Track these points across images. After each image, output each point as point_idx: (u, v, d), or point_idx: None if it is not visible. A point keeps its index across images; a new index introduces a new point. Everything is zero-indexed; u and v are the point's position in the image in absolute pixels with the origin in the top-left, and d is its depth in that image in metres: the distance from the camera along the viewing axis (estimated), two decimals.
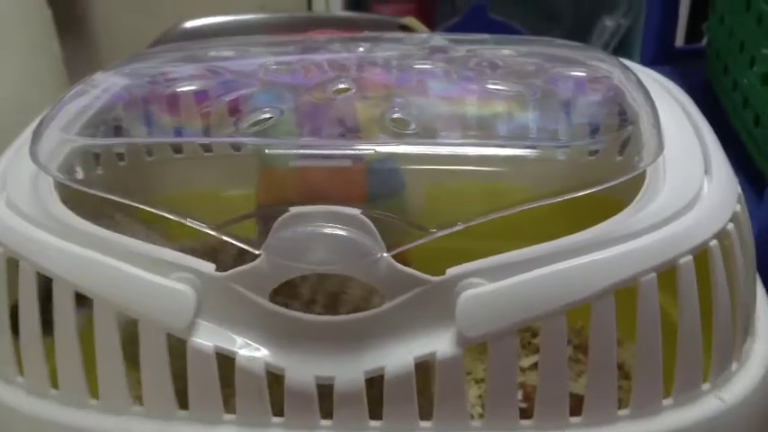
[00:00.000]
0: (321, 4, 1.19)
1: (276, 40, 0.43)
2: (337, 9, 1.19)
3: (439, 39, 0.43)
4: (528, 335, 0.48)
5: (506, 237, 0.32)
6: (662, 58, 0.64)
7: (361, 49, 0.40)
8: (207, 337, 0.30)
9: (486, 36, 0.43)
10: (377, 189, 0.35)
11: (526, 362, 0.47)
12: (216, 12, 1.00)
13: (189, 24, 1.03)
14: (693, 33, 0.98)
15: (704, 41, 0.76)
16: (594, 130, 0.33)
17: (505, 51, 0.40)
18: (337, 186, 0.32)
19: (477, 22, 1.30)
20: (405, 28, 0.99)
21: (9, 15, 0.90)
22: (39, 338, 0.32)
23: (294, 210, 0.29)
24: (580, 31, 1.32)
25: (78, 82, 0.37)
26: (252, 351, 0.30)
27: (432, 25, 1.17)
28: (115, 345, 0.31)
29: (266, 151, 0.31)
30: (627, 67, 0.38)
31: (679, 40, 1.03)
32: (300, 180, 0.33)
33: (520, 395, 0.37)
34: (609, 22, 1.26)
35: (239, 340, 0.30)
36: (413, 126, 0.32)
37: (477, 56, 0.39)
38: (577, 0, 1.31)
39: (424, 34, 0.42)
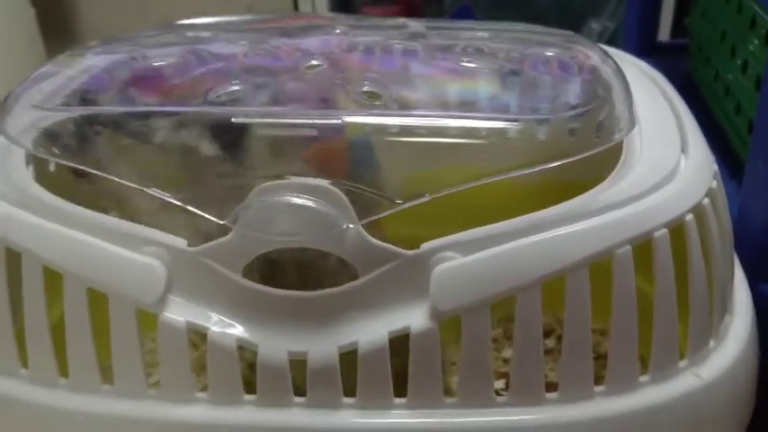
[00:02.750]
0: (308, 5, 1.19)
1: (252, 25, 0.43)
2: (323, 10, 1.19)
3: (416, 24, 0.42)
4: (511, 325, 0.48)
5: (483, 222, 0.32)
6: (644, 51, 0.64)
7: (338, 31, 0.40)
8: (178, 313, 0.30)
9: (463, 22, 0.43)
10: (358, 167, 0.35)
11: (508, 352, 0.46)
12: (202, 13, 1.00)
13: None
14: (679, 28, 0.99)
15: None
16: (570, 107, 0.33)
17: (482, 34, 0.39)
18: (319, 163, 0.32)
19: None
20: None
21: None
22: (8, 321, 0.31)
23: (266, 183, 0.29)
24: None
25: (47, 62, 0.37)
26: (224, 327, 0.30)
27: None
28: (85, 321, 0.30)
29: (232, 120, 0.30)
30: (604, 51, 0.38)
31: (665, 36, 1.04)
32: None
33: (502, 384, 0.37)
34: (595, 25, 1.27)
35: (212, 316, 0.30)
36: (383, 99, 0.32)
37: (454, 38, 0.39)
38: (563, 3, 1.32)
39: (401, 19, 0.42)
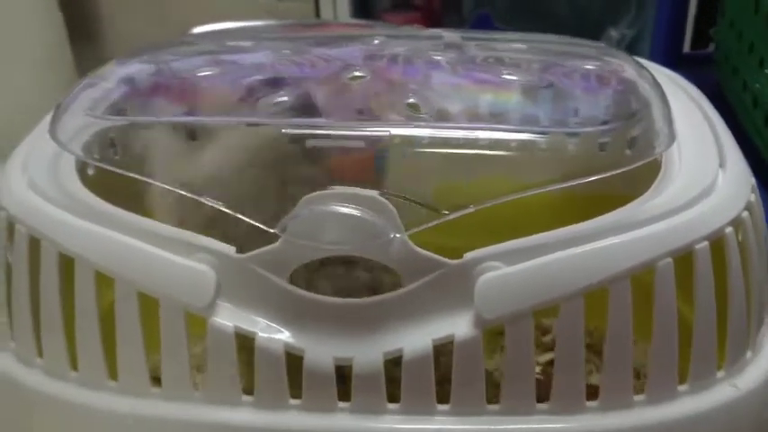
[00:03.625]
0: (329, 12, 1.20)
1: (291, 32, 0.44)
2: (345, 17, 1.20)
3: (452, 34, 0.43)
4: (538, 333, 0.49)
5: (518, 234, 0.33)
6: (670, 62, 0.65)
7: (376, 41, 0.40)
8: (227, 318, 0.30)
9: (498, 33, 0.44)
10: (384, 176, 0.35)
11: (541, 359, 0.47)
12: (224, 18, 1.01)
13: (197, 30, 1.04)
14: (699, 39, 0.99)
15: (710, 47, 0.77)
16: (605, 122, 0.34)
17: (518, 45, 0.40)
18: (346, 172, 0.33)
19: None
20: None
21: (22, 20, 0.91)
22: (59, 319, 0.32)
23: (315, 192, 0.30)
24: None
25: (94, 70, 0.37)
26: (271, 332, 0.31)
27: None
28: (136, 325, 0.31)
29: (282, 131, 0.31)
30: (639, 63, 0.39)
31: (686, 46, 1.04)
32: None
33: None
34: (614, 33, 1.27)
35: (259, 321, 0.31)
36: (426, 111, 0.33)
37: (491, 49, 0.39)
38: (581, 11, 1.32)
39: (437, 29, 0.42)
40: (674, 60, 0.65)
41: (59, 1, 0.98)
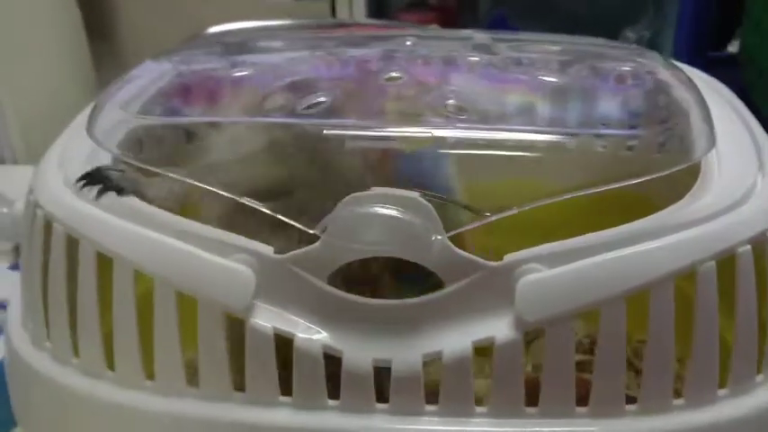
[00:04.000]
0: (345, 11, 1.20)
1: (323, 33, 0.44)
2: (361, 17, 1.20)
3: (482, 35, 0.43)
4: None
5: (552, 233, 0.33)
6: (695, 64, 0.64)
7: (409, 42, 0.40)
8: (266, 318, 0.30)
9: (528, 34, 0.44)
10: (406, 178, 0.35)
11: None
12: (240, 17, 1.01)
13: (213, 30, 1.04)
14: (717, 41, 0.99)
15: (730, 48, 0.77)
16: (655, 124, 0.34)
17: (551, 47, 0.40)
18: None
19: (498, 30, 1.31)
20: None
21: (41, 17, 0.92)
22: (96, 318, 0.32)
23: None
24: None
25: (132, 68, 0.37)
26: (310, 333, 0.30)
27: None
28: (173, 325, 0.31)
29: (323, 132, 0.31)
30: (675, 65, 0.38)
31: None
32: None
33: None
34: (631, 34, 1.27)
35: (298, 322, 0.31)
36: (467, 112, 0.33)
37: (524, 51, 0.39)
38: (598, 11, 1.32)
39: (467, 30, 0.42)
40: (698, 62, 0.65)
41: None
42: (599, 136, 0.36)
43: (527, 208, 0.30)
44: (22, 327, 0.36)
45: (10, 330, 0.36)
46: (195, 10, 1.24)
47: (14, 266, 0.63)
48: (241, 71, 0.36)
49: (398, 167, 0.34)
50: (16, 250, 0.68)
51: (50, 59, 0.93)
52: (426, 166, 0.35)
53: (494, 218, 0.30)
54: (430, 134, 0.30)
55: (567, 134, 0.35)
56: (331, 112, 0.32)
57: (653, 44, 1.26)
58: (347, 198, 0.30)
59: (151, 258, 0.31)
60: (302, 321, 0.31)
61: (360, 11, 1.20)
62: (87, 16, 1.01)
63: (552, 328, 0.29)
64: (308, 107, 0.32)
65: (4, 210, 0.68)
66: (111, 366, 0.32)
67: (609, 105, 0.34)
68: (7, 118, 0.85)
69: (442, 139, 0.31)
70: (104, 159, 0.35)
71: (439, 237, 0.30)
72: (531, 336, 0.30)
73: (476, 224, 0.30)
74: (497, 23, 1.30)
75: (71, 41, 0.97)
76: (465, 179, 0.37)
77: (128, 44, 1.18)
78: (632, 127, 0.38)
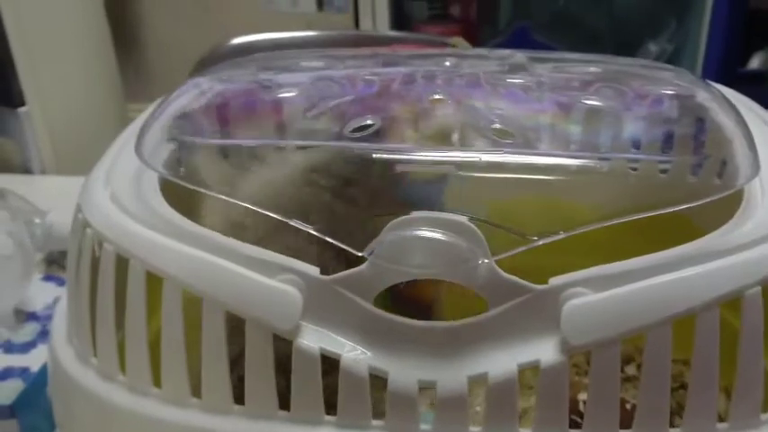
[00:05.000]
0: (368, 23, 1.21)
1: (361, 53, 0.44)
2: (384, 28, 1.21)
3: (520, 56, 0.43)
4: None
5: (579, 254, 0.33)
6: (725, 81, 0.64)
7: (448, 63, 0.41)
8: (312, 339, 0.31)
9: (567, 54, 0.44)
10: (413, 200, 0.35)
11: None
12: (264, 29, 1.02)
13: (237, 41, 1.05)
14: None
15: (751, 64, 0.76)
16: (697, 151, 0.34)
17: (593, 69, 0.40)
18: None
19: (520, 43, 1.32)
20: (452, 48, 1.00)
21: (70, 29, 0.93)
22: (144, 336, 0.32)
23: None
24: (623, 56, 1.33)
25: (181, 84, 0.38)
26: (356, 353, 0.31)
27: (475, 46, 1.18)
28: (221, 344, 0.31)
29: (373, 156, 0.31)
30: (715, 89, 0.39)
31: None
32: None
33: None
34: (653, 47, 1.27)
35: (344, 343, 0.31)
36: (513, 136, 0.33)
37: (566, 72, 0.39)
38: (620, 24, 1.32)
39: (505, 51, 0.43)
40: (727, 78, 0.65)
41: (105, 10, 1.00)
42: (653, 162, 0.36)
43: (576, 233, 0.30)
44: (66, 341, 0.37)
45: (55, 345, 0.37)
46: (221, 19, 1.26)
47: (48, 278, 0.63)
48: (283, 91, 0.37)
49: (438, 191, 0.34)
50: (47, 261, 0.69)
51: (79, 70, 0.95)
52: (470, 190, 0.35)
53: (541, 242, 0.30)
54: (479, 159, 0.31)
55: (605, 159, 0.35)
56: (378, 135, 0.32)
57: (676, 58, 1.26)
58: (395, 221, 0.30)
59: (201, 278, 0.31)
60: (348, 342, 0.31)
61: (383, 22, 1.21)
62: (114, 24, 1.03)
63: (598, 351, 0.29)
64: (356, 130, 0.33)
65: (37, 220, 0.69)
66: (157, 383, 0.33)
67: (654, 130, 0.35)
68: (36, 128, 0.87)
69: (494, 163, 0.31)
70: (152, 178, 0.35)
71: (486, 260, 0.30)
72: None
73: (522, 248, 0.30)
74: (520, 36, 1.30)
75: (99, 52, 0.99)
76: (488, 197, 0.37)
77: (153, 52, 1.19)
78: (679, 153, 0.39)
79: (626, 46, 1.29)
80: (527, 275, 0.31)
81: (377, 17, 1.21)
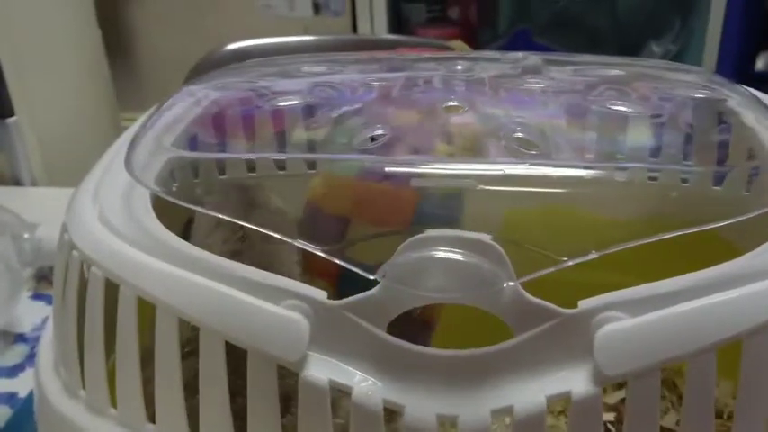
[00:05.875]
0: (366, 26, 1.18)
1: (366, 56, 0.41)
2: (382, 32, 1.18)
3: (534, 58, 0.41)
4: None
5: (600, 268, 0.30)
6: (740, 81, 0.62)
7: (459, 67, 0.38)
8: (320, 370, 0.28)
9: (584, 56, 0.42)
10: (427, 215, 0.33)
11: (611, 398, 0.44)
12: (260, 34, 0.99)
13: (233, 46, 1.02)
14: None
15: (757, 66, 0.74)
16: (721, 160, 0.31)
17: (615, 72, 0.38)
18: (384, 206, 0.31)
19: (520, 46, 1.30)
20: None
21: (61, 38, 0.90)
22: (137, 368, 0.30)
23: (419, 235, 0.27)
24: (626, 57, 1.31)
25: (170, 94, 0.35)
26: (368, 385, 0.28)
27: (475, 49, 1.16)
28: (221, 376, 0.28)
29: (386, 169, 0.29)
30: (747, 91, 0.36)
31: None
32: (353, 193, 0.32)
33: None
34: (656, 48, 1.25)
35: (355, 374, 0.28)
36: (537, 147, 0.30)
37: (587, 75, 0.37)
38: (622, 25, 1.30)
39: (519, 53, 0.40)
40: (742, 79, 0.62)
41: (97, 17, 0.98)
42: (685, 173, 0.34)
43: (607, 252, 0.27)
44: (53, 372, 0.34)
45: (41, 376, 0.34)
46: (214, 26, 1.23)
47: (37, 296, 0.61)
48: (282, 100, 0.34)
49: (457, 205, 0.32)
50: (37, 277, 0.66)
51: (70, 79, 0.92)
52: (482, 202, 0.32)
53: (570, 263, 0.27)
54: (502, 171, 0.28)
55: (644, 168, 0.33)
56: (391, 146, 0.30)
57: (680, 59, 1.24)
58: (409, 240, 0.28)
59: (198, 305, 0.28)
60: (359, 372, 0.28)
61: (381, 26, 1.18)
62: (106, 33, 1.00)
63: (636, 381, 0.27)
64: (366, 141, 0.30)
65: (26, 235, 0.66)
66: (151, 418, 0.30)
67: (685, 139, 0.32)
68: (26, 139, 0.84)
69: (516, 176, 0.29)
70: (143, 195, 0.33)
71: (510, 283, 0.27)
72: None
73: (551, 269, 0.27)
74: (520, 39, 1.28)
75: (91, 60, 0.96)
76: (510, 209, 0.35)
77: (147, 61, 1.17)
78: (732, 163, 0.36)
79: (628, 47, 1.27)
80: (544, 291, 0.28)
81: (374, 21, 1.18)
